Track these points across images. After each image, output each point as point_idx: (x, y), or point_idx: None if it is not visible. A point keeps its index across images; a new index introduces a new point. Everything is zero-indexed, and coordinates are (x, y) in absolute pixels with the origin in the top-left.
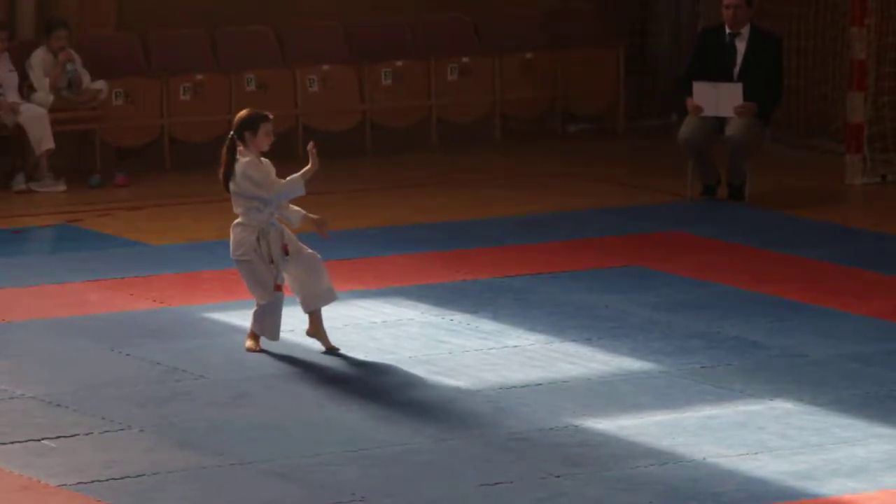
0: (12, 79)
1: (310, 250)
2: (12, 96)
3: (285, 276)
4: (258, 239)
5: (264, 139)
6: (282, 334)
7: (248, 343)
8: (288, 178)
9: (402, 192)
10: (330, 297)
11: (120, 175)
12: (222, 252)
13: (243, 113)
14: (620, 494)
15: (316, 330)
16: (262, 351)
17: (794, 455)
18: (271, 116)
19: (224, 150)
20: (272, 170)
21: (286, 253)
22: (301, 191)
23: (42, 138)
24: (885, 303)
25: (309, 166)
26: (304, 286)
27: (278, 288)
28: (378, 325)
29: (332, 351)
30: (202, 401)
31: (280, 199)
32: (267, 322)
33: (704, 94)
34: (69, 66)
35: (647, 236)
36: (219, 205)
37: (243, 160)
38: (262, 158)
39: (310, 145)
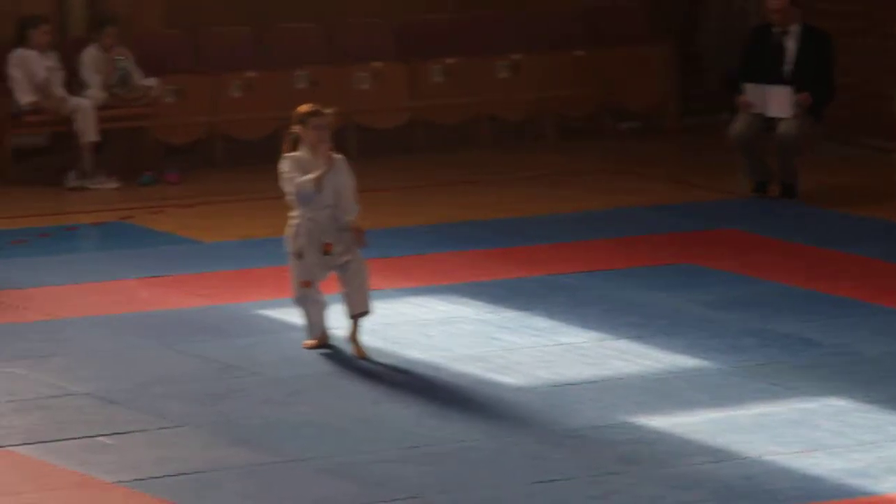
0: (58, 76)
1: (359, 258)
2: (59, 93)
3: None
4: (294, 234)
5: (312, 133)
6: (334, 332)
7: (307, 340)
8: (301, 178)
9: (454, 189)
10: (363, 307)
11: (171, 172)
12: (274, 249)
13: (299, 108)
14: (675, 492)
15: (352, 336)
16: (319, 347)
17: (848, 452)
18: (326, 111)
19: (286, 144)
20: (341, 168)
21: (326, 252)
22: (310, 191)
23: (86, 130)
24: None
25: (324, 168)
26: (346, 293)
27: (305, 284)
28: (432, 323)
29: (360, 357)
30: (257, 398)
31: (299, 199)
32: (305, 317)
33: (754, 95)
34: (121, 64)
35: (699, 234)
36: (270, 202)
37: (288, 154)
38: (337, 155)
39: (323, 148)
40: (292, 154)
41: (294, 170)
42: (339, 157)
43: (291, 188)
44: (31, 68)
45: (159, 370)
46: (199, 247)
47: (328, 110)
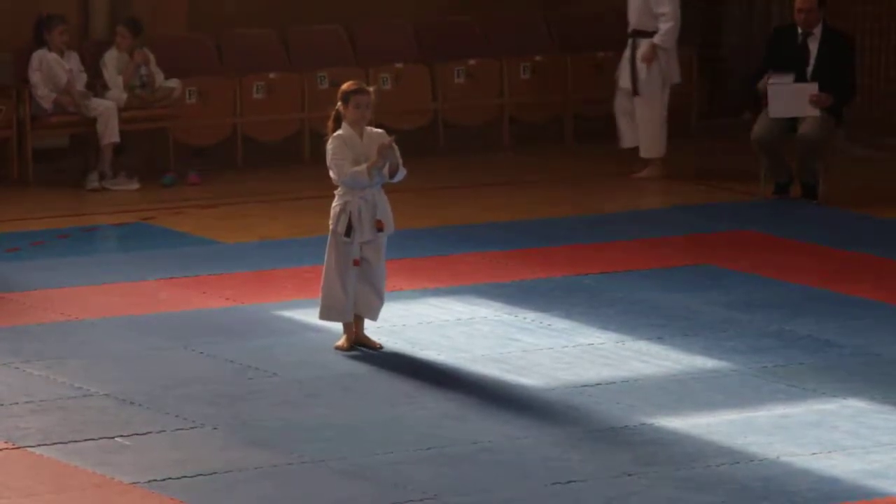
0: (81, 78)
1: (383, 264)
2: (82, 91)
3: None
4: (340, 212)
5: (353, 111)
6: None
7: (339, 342)
8: (354, 168)
9: (475, 190)
10: (370, 314)
11: (193, 174)
12: (295, 250)
13: (343, 85)
14: (692, 493)
15: (359, 334)
16: (350, 349)
17: (866, 454)
18: (369, 89)
19: (330, 121)
20: (378, 142)
21: (379, 229)
22: (365, 182)
23: (107, 130)
24: None
25: (374, 159)
26: (360, 292)
27: (355, 262)
28: (450, 324)
29: (376, 348)
30: (274, 399)
31: (346, 184)
32: (340, 298)
33: (780, 92)
34: (143, 71)
35: (720, 235)
36: (291, 203)
37: (334, 134)
38: (376, 129)
39: (388, 141)
40: (338, 133)
41: (340, 152)
42: (379, 131)
43: (341, 175)
44: (53, 72)
45: (178, 371)
46: (220, 248)
47: (370, 88)
